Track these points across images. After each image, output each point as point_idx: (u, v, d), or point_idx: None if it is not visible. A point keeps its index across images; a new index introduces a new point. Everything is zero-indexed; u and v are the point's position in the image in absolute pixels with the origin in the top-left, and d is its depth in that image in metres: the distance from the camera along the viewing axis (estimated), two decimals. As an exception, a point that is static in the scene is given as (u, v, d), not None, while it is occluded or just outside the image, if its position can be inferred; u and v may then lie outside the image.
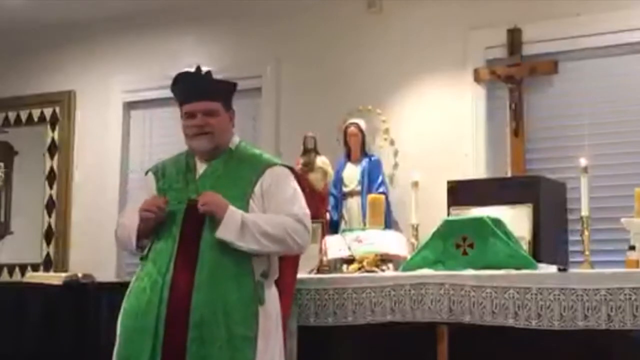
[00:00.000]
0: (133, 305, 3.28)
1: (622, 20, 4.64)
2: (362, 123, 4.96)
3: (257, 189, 3.35)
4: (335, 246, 4.44)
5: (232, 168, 3.41)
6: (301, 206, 3.40)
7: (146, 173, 3.62)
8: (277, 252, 3.37)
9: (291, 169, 3.53)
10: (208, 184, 3.36)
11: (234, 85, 3.54)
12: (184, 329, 3.15)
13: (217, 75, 3.57)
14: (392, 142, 5.11)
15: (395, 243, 4.44)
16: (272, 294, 3.37)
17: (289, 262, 3.59)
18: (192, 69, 3.53)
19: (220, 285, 3.20)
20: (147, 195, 3.46)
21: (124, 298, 3.37)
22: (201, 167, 3.44)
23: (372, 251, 4.31)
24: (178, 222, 3.32)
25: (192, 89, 3.43)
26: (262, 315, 3.25)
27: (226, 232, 3.21)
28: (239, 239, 3.21)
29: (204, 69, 3.51)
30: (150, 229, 3.36)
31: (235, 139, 3.51)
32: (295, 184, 3.45)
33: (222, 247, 3.23)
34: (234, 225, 3.21)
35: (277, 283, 3.45)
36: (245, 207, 3.30)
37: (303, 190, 3.49)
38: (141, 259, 3.43)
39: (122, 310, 3.34)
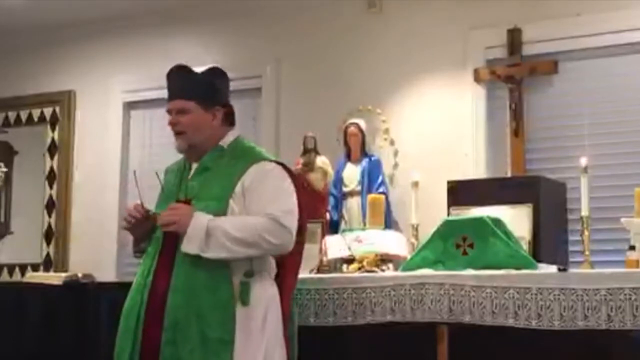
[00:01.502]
0: (125, 306, 3.33)
1: (622, 20, 4.65)
2: (362, 123, 4.96)
3: (237, 187, 3.27)
4: (335, 246, 4.44)
5: (222, 166, 3.35)
6: (281, 204, 3.25)
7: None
8: (253, 255, 3.24)
9: (281, 164, 3.41)
10: (197, 184, 3.35)
11: (213, 81, 3.42)
12: (159, 330, 3.17)
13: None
14: (392, 142, 5.11)
15: (395, 243, 4.43)
16: (262, 293, 3.27)
17: (290, 262, 3.49)
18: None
19: (196, 289, 3.18)
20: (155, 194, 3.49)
21: (123, 298, 3.38)
22: (194, 167, 3.42)
23: (372, 251, 4.30)
24: None
25: (169, 88, 3.43)
26: (244, 316, 3.19)
27: (189, 246, 3.17)
28: (204, 250, 3.16)
29: (201, 67, 3.47)
30: (139, 235, 3.41)
31: (229, 138, 3.43)
32: (280, 180, 3.33)
33: None
34: (198, 237, 3.15)
35: (278, 283, 3.39)
36: (224, 208, 3.24)
37: (302, 187, 3.44)
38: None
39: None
